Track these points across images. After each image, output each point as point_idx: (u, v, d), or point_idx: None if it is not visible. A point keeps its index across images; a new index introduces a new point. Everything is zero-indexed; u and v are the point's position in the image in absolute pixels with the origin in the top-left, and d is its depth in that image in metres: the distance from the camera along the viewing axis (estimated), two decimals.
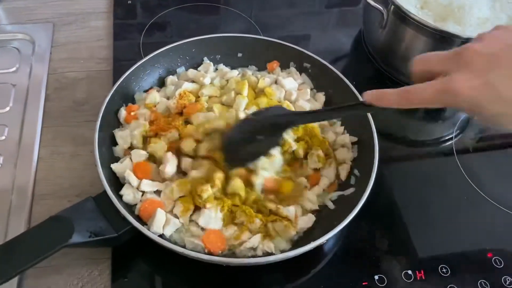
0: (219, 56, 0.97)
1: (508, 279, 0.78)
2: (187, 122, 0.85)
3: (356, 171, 0.82)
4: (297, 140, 0.84)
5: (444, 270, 0.78)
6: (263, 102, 0.87)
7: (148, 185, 0.76)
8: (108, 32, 1.12)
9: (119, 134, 0.83)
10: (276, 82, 0.93)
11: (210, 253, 0.71)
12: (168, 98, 0.89)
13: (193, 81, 0.92)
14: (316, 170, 0.83)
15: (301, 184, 0.80)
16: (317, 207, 0.78)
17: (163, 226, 0.72)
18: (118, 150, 0.82)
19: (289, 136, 0.82)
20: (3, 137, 0.90)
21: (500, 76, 0.50)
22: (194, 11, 1.20)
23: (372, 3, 0.99)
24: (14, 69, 1.02)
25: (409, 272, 0.77)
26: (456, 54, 0.54)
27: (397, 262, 0.79)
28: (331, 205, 0.79)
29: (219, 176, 0.76)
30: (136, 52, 1.07)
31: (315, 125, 0.86)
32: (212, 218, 0.73)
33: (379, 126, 0.83)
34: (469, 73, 0.51)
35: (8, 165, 0.86)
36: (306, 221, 0.76)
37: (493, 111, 0.52)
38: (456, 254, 0.80)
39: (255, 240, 0.72)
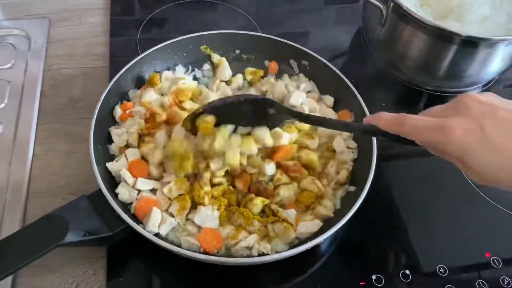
0: (216, 53, 0.96)
1: (506, 279, 0.77)
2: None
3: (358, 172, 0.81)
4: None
5: (442, 270, 0.77)
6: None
7: (143, 184, 0.76)
8: (104, 28, 1.11)
9: (114, 132, 0.82)
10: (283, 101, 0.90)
11: (205, 252, 0.70)
12: (162, 95, 0.88)
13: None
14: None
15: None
16: (332, 214, 0.76)
17: (158, 225, 0.71)
18: (113, 148, 0.82)
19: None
20: None
21: (495, 124, 0.51)
22: (191, 7, 1.19)
23: (372, 0, 0.98)
24: (9, 65, 1.01)
25: (407, 272, 0.77)
26: (456, 101, 0.56)
27: (395, 262, 0.79)
28: (338, 205, 0.78)
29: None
30: (133, 49, 1.06)
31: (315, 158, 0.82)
32: (208, 216, 0.73)
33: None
34: (466, 118, 0.52)
35: (2, 162, 0.85)
36: (310, 227, 0.74)
37: (482, 158, 0.52)
38: (454, 254, 0.80)
39: (251, 239, 0.71)
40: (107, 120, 0.83)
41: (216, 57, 0.95)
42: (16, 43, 1.05)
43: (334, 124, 0.74)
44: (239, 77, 0.94)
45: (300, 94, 0.89)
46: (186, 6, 1.19)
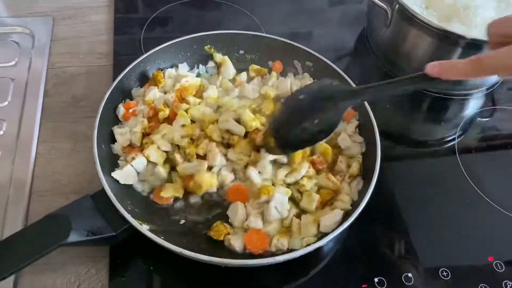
0: (220, 54, 0.96)
1: (509, 284, 0.77)
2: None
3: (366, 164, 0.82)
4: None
5: (445, 273, 0.77)
6: None
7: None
8: (108, 26, 1.11)
9: (118, 131, 0.82)
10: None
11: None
12: (165, 93, 0.88)
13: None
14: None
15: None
16: (349, 207, 0.77)
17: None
18: (116, 147, 0.82)
19: None
20: (1, 132, 0.89)
21: None
22: (196, 6, 1.19)
23: (377, 1, 0.98)
24: (13, 63, 1.01)
25: (409, 275, 0.76)
26: None
27: (397, 264, 0.78)
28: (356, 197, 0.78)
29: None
30: (137, 47, 1.06)
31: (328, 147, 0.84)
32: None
33: (382, 127, 0.82)
34: None
35: (5, 160, 0.85)
36: (332, 218, 0.74)
37: None
38: (457, 258, 0.80)
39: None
40: (110, 119, 0.84)
41: (218, 56, 0.95)
42: (20, 41, 1.05)
43: (387, 87, 0.70)
44: (243, 75, 0.94)
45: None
46: (190, 5, 1.18)
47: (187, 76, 0.90)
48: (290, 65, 0.97)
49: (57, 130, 0.91)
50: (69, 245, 0.65)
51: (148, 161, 0.80)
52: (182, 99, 0.86)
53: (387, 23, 1.00)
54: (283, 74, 0.97)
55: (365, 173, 0.81)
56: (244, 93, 0.89)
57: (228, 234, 0.74)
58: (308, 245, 0.70)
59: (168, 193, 0.78)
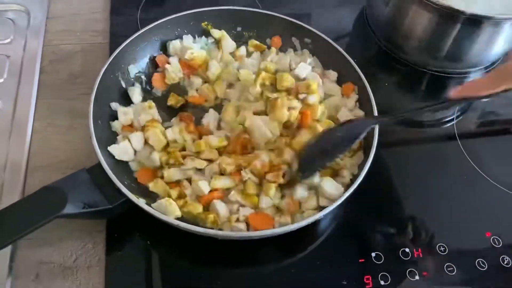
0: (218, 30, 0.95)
1: (506, 259, 0.77)
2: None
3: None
4: None
5: (442, 248, 0.77)
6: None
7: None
8: (104, 4, 1.10)
9: (121, 110, 0.82)
10: (290, 69, 0.91)
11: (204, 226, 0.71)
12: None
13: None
14: None
15: None
16: (349, 181, 0.77)
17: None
18: (116, 125, 0.81)
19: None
20: None
21: None
22: None
23: None
24: (8, 40, 1.00)
25: (407, 250, 0.77)
26: None
27: (394, 240, 0.78)
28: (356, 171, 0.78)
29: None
30: (134, 25, 1.05)
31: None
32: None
33: (380, 106, 0.82)
34: None
35: (2, 138, 0.85)
36: (334, 187, 0.74)
37: None
38: (454, 233, 0.80)
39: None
40: (107, 95, 0.83)
41: (216, 32, 0.94)
42: (15, 18, 1.04)
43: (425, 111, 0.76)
44: (242, 49, 0.94)
45: (306, 66, 0.89)
46: None
47: (192, 48, 0.90)
48: (288, 42, 0.96)
49: (53, 107, 0.90)
50: (65, 217, 0.65)
51: (146, 143, 0.79)
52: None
53: (386, 1, 0.99)
54: (282, 50, 0.96)
55: (366, 147, 0.80)
56: (244, 68, 0.89)
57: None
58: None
59: (155, 188, 0.76)
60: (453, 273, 0.75)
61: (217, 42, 0.94)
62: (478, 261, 0.77)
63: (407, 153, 0.92)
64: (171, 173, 0.76)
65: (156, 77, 0.90)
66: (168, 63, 0.90)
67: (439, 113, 0.99)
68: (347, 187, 0.74)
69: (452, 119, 0.97)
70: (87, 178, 0.70)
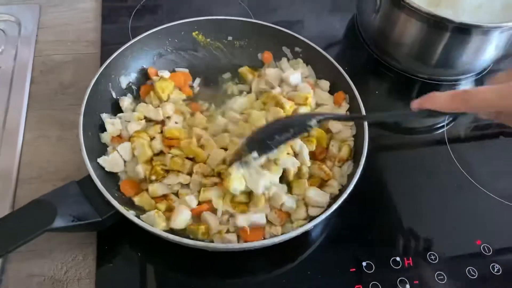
0: (209, 39, 0.95)
1: (496, 266, 0.77)
2: None
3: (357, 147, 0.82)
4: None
5: (433, 257, 0.77)
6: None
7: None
8: (96, 14, 1.10)
9: (109, 121, 0.81)
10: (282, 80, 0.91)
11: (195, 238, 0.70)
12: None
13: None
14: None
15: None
16: (337, 192, 0.77)
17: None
18: (105, 137, 0.81)
19: None
20: None
21: None
22: None
23: None
24: None
25: (397, 259, 0.77)
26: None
27: (385, 249, 0.79)
28: (344, 182, 0.78)
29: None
30: (125, 35, 1.05)
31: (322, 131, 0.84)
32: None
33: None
34: None
35: None
36: (320, 197, 0.75)
37: None
38: (445, 242, 0.80)
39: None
40: (98, 106, 0.82)
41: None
42: (6, 29, 1.04)
43: (377, 116, 0.78)
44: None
45: (296, 75, 0.88)
46: None
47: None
48: (279, 52, 0.96)
49: (44, 118, 0.90)
50: (55, 230, 0.65)
51: (133, 155, 0.79)
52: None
53: (376, 9, 1.00)
54: (277, 59, 0.97)
55: (356, 157, 0.80)
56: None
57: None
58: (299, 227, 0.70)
59: (141, 202, 0.75)
60: (444, 281, 0.75)
61: None
62: (469, 269, 0.77)
63: (397, 161, 0.92)
64: (156, 188, 0.75)
65: (144, 89, 0.89)
66: (157, 75, 0.89)
67: (429, 120, 1.00)
68: (336, 197, 0.74)
69: (443, 126, 0.98)
70: (77, 190, 0.70)
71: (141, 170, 0.77)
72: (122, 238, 0.75)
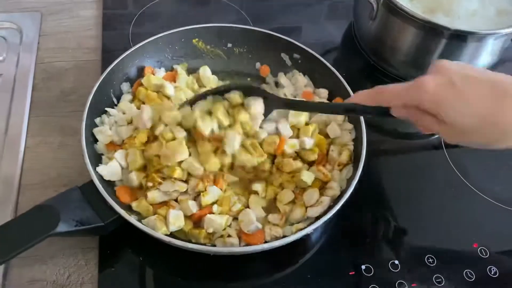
0: (209, 46, 0.97)
1: (493, 269, 0.78)
2: None
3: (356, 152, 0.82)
4: None
5: (431, 260, 0.78)
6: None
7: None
8: (96, 21, 1.11)
9: (96, 130, 0.80)
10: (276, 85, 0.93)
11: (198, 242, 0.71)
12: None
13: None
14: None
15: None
16: (338, 193, 0.78)
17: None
18: (99, 146, 0.80)
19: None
20: None
21: (461, 78, 0.56)
22: (184, 1, 1.20)
23: None
24: (1, 58, 1.01)
25: (396, 262, 0.78)
26: (430, 67, 0.61)
27: (384, 252, 0.80)
28: (344, 186, 0.79)
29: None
30: (126, 43, 1.06)
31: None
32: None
33: (368, 119, 0.83)
34: (436, 75, 0.57)
35: None
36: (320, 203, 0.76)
37: (455, 108, 0.56)
38: (443, 245, 0.81)
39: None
40: (99, 112, 0.83)
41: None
42: (7, 36, 1.05)
43: (319, 107, 0.80)
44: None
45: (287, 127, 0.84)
46: (179, 0, 1.19)
47: None
48: (278, 59, 0.97)
49: (46, 124, 0.91)
50: (58, 235, 0.66)
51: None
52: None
53: (373, 16, 1.01)
54: (274, 73, 0.98)
55: (355, 161, 0.81)
56: None
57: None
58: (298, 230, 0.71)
59: (138, 208, 0.74)
60: (442, 284, 0.76)
61: None
62: (466, 272, 0.78)
63: (396, 165, 0.94)
64: (155, 196, 0.74)
65: (137, 84, 0.89)
66: (153, 73, 0.90)
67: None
68: (336, 200, 0.75)
69: None
70: (80, 195, 0.70)
71: (135, 177, 0.76)
72: (123, 243, 0.76)
